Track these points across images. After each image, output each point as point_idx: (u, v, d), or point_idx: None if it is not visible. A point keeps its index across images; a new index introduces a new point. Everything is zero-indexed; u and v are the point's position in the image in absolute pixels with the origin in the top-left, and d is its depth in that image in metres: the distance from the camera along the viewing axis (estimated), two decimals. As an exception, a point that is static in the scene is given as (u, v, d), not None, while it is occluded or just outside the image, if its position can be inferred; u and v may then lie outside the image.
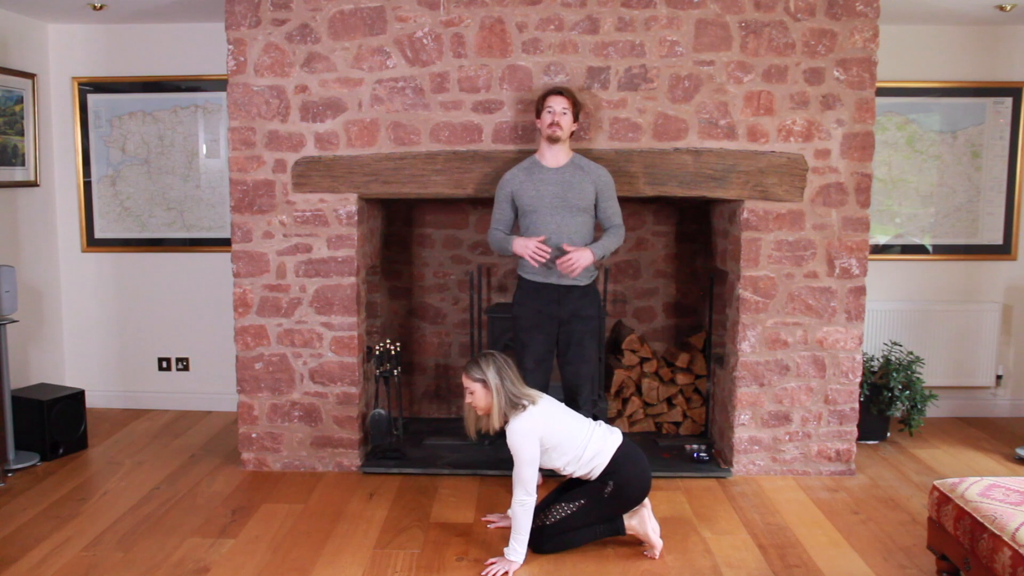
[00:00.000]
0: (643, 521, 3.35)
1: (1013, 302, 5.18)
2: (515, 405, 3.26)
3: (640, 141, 4.05)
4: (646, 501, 3.41)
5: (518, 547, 3.22)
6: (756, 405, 4.18)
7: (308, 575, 3.18)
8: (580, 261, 3.69)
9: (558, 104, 3.74)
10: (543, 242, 3.72)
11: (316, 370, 4.21)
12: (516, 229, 3.94)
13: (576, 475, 3.36)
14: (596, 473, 3.32)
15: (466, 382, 3.33)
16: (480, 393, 3.28)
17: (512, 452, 3.27)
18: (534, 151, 3.99)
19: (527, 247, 3.71)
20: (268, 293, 4.19)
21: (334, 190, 4.11)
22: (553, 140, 3.77)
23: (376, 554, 3.35)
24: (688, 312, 5.03)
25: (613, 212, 3.88)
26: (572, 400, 3.89)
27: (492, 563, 3.22)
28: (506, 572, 3.18)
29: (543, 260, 3.70)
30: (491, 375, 3.27)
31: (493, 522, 3.61)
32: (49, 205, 5.14)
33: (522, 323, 3.90)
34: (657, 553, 3.32)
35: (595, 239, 3.84)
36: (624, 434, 3.45)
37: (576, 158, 3.85)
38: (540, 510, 3.34)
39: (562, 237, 3.76)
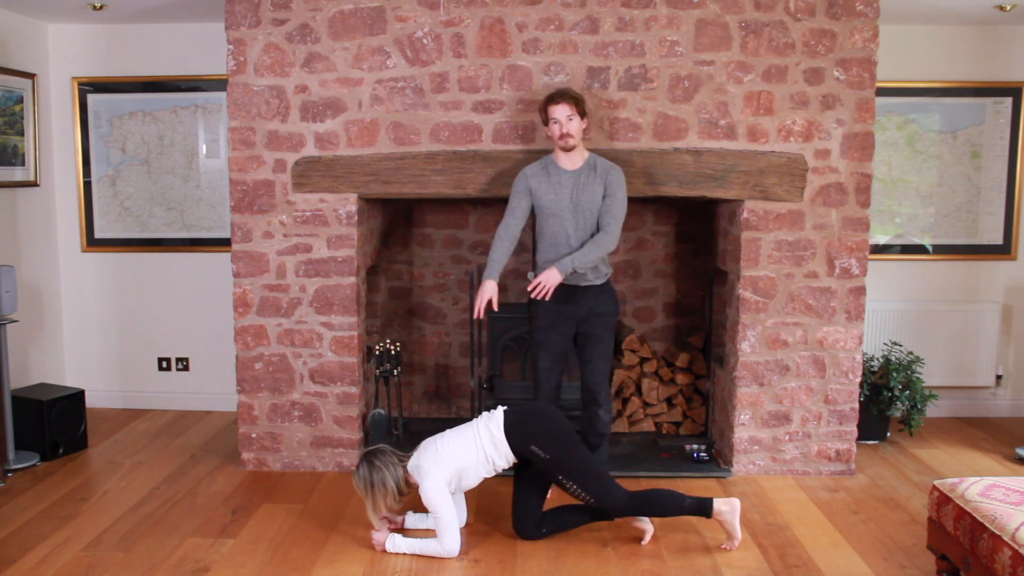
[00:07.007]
0: (733, 509, 3.37)
1: (1013, 302, 5.18)
2: (407, 486, 3.35)
3: (640, 141, 4.05)
4: (735, 503, 3.39)
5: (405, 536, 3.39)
6: (756, 405, 4.18)
7: (308, 575, 3.19)
8: (549, 283, 3.65)
9: (562, 113, 3.65)
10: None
11: (316, 370, 4.21)
12: (532, 224, 3.88)
13: (506, 468, 3.40)
14: (512, 457, 3.36)
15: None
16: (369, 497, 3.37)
17: (431, 510, 3.31)
18: (534, 151, 4.00)
19: (478, 299, 3.68)
20: (268, 293, 4.19)
21: (334, 190, 4.11)
22: (568, 149, 3.71)
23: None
24: (688, 312, 5.03)
25: (609, 210, 3.69)
26: (592, 401, 3.82)
27: None
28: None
29: (480, 316, 3.73)
30: (367, 497, 3.34)
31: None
32: (49, 205, 5.14)
33: (538, 322, 3.82)
34: (736, 544, 3.38)
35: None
36: (511, 404, 3.51)
37: (592, 158, 3.76)
38: (521, 516, 3.45)
39: (580, 241, 3.70)
